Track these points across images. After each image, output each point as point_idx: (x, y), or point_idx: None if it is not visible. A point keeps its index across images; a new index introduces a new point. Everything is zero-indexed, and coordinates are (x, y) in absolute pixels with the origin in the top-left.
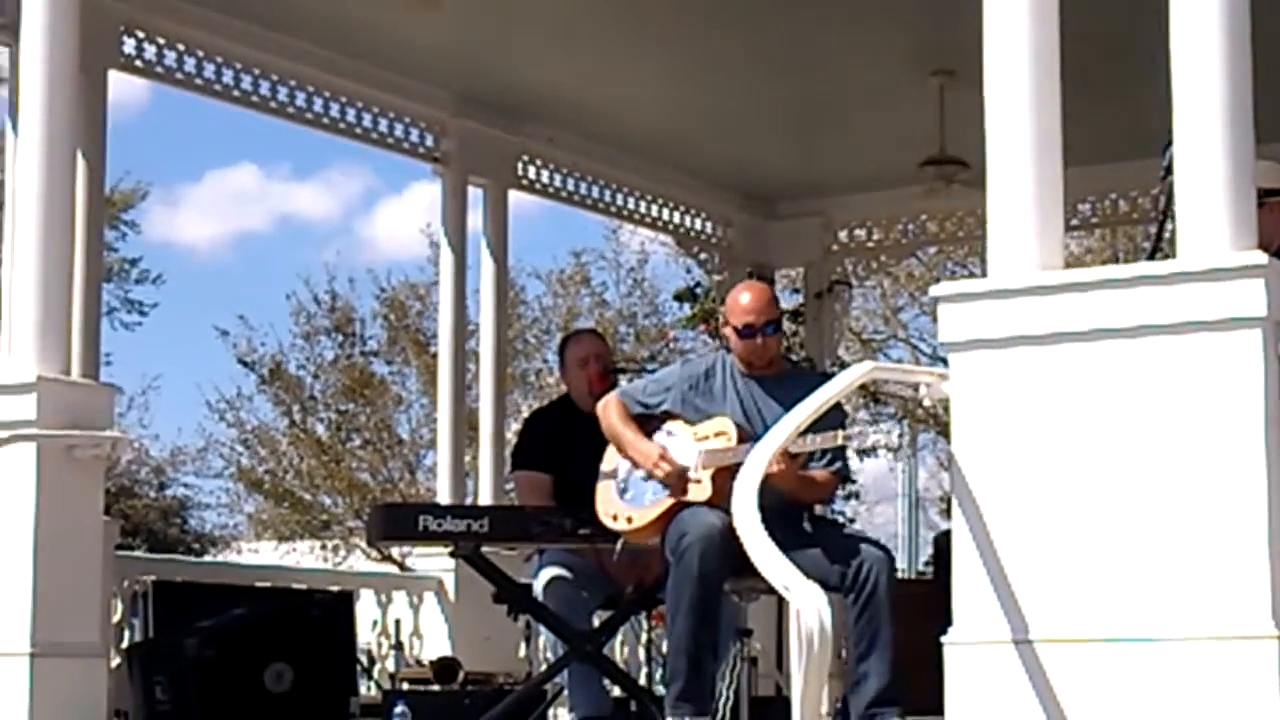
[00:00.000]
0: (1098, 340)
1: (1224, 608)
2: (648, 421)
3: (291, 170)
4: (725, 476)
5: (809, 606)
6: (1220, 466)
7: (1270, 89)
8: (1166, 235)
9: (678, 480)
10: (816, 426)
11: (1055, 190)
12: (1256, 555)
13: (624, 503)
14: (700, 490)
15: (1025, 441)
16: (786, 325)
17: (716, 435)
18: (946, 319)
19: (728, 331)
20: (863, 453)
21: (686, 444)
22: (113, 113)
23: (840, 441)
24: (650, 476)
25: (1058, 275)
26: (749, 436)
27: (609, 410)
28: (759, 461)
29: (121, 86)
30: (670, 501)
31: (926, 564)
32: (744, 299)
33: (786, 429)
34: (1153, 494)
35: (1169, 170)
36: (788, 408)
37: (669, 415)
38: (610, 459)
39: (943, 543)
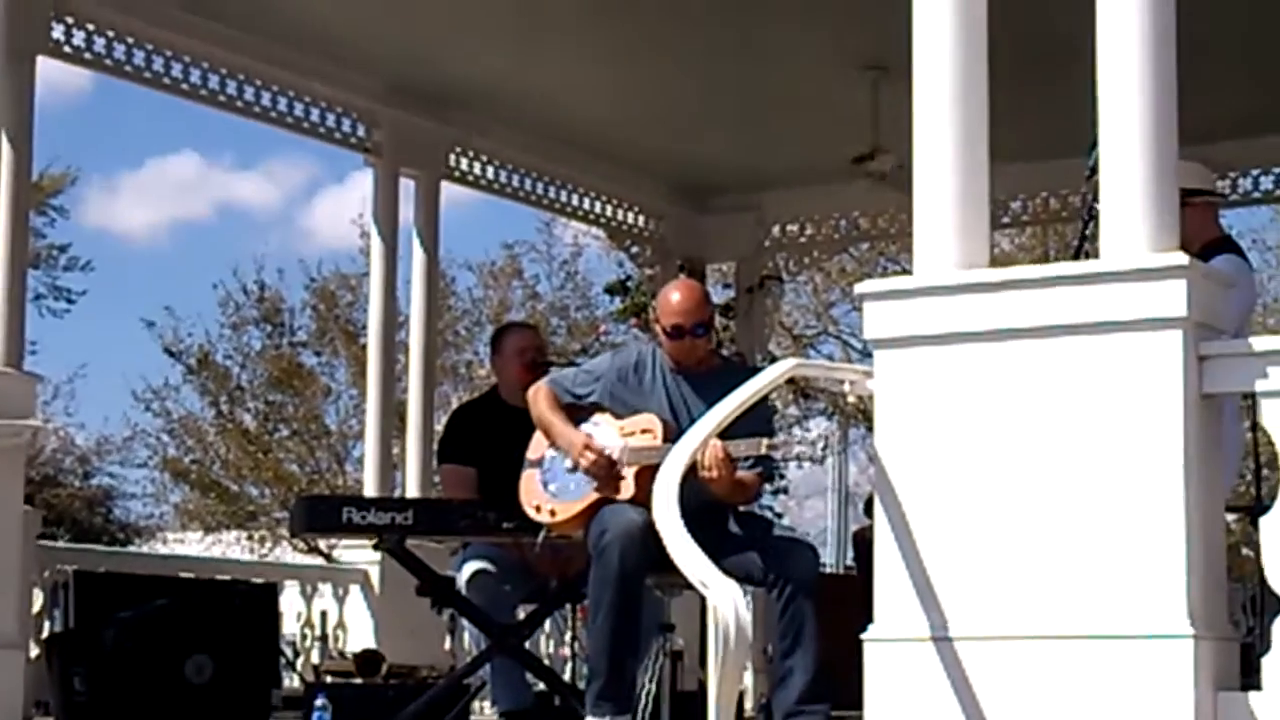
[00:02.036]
0: (1020, 339)
1: (1141, 607)
2: (575, 412)
3: (234, 159)
4: (649, 475)
5: (725, 602)
6: (1139, 467)
7: (1194, 91)
8: (1091, 235)
9: (603, 471)
10: (743, 421)
11: (981, 188)
12: (1173, 556)
13: (547, 494)
14: (624, 487)
15: (947, 439)
16: (717, 320)
17: (643, 432)
18: (871, 316)
19: (657, 329)
20: (786, 460)
21: (611, 438)
22: (53, 99)
23: (764, 451)
24: (576, 466)
25: (981, 274)
26: (674, 433)
27: (539, 397)
28: (680, 457)
29: (64, 72)
30: (594, 497)
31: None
32: (674, 298)
33: (709, 425)
34: (1072, 493)
35: (1094, 170)
36: (715, 404)
37: (597, 407)
38: (536, 446)
39: (860, 539)
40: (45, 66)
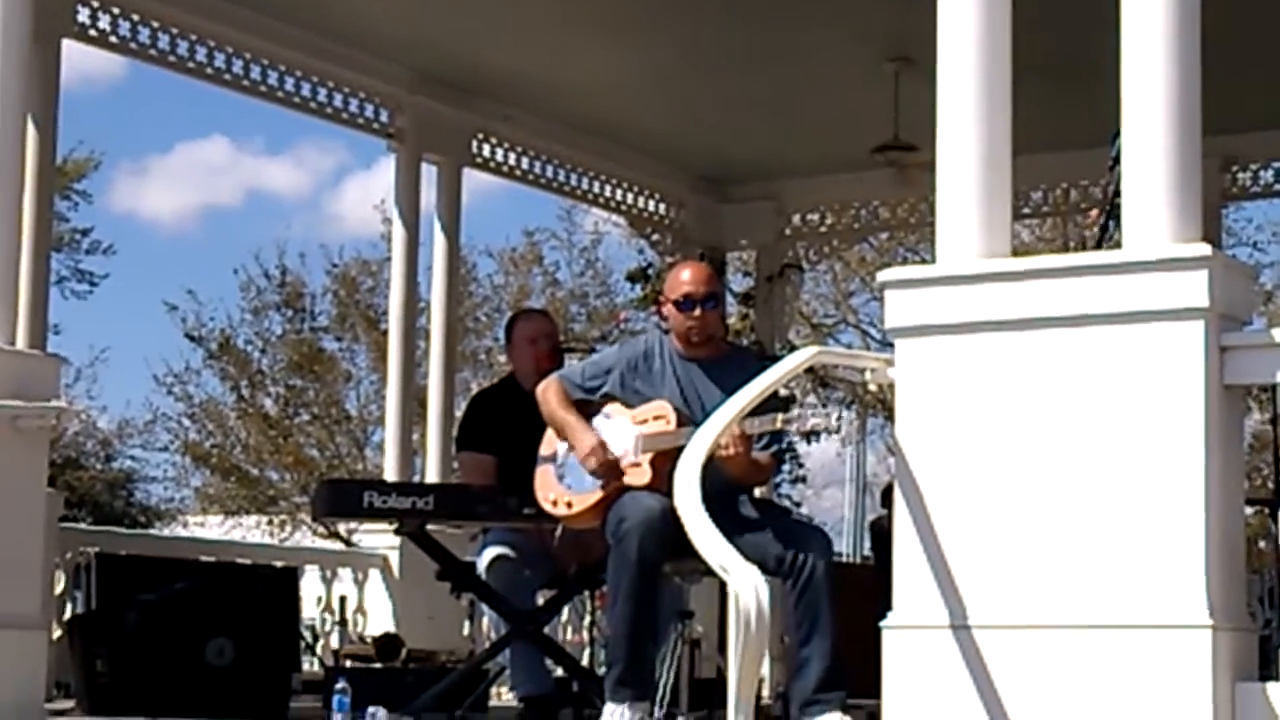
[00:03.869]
0: (1041, 328)
1: (1160, 597)
2: (587, 405)
3: (264, 144)
4: (665, 460)
5: (746, 588)
6: (1160, 457)
7: (1216, 82)
8: (1113, 225)
9: (611, 474)
10: (758, 409)
11: (1004, 178)
12: (1193, 546)
13: (563, 487)
14: (639, 474)
15: (968, 428)
16: (738, 308)
17: (655, 419)
18: (892, 304)
19: (667, 309)
20: (807, 436)
21: (625, 427)
22: (86, 86)
23: (780, 426)
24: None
25: (1004, 263)
26: (688, 420)
27: (548, 394)
28: (702, 444)
29: (97, 59)
30: (610, 487)
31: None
32: (683, 274)
33: (730, 413)
34: (1092, 483)
35: (1117, 160)
36: (727, 389)
37: (608, 398)
38: (549, 442)
39: (877, 528)
40: (78, 54)
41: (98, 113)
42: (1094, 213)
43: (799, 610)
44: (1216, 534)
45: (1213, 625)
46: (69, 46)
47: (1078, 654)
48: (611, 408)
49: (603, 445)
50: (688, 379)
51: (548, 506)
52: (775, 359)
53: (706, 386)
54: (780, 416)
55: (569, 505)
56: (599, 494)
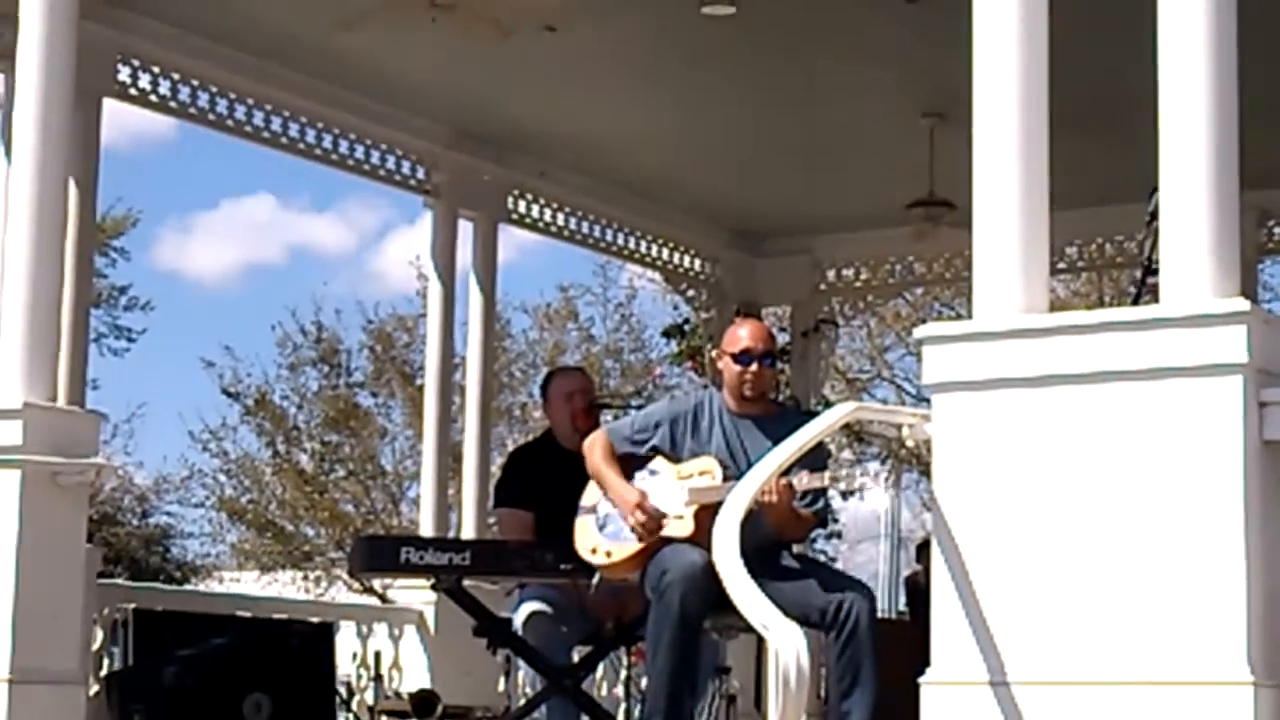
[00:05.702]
0: (1079, 384)
1: (1200, 653)
2: (632, 459)
3: (309, 201)
4: (708, 514)
5: (787, 645)
6: (1199, 513)
7: (1253, 136)
8: (1151, 281)
9: (652, 533)
10: (800, 464)
11: (1041, 233)
12: (1234, 602)
13: (603, 536)
14: (683, 526)
15: (1006, 484)
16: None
17: (701, 474)
18: (930, 360)
19: (723, 363)
20: (848, 493)
21: (669, 483)
22: (134, 144)
23: (827, 483)
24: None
25: (1042, 319)
26: (733, 476)
27: (594, 449)
28: (741, 500)
29: (147, 119)
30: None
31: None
32: (742, 331)
33: (769, 467)
34: (1132, 538)
35: (1154, 215)
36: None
37: (655, 452)
38: (591, 494)
39: (912, 584)
40: (128, 114)
41: (146, 171)
42: None
43: (841, 663)
44: (1257, 590)
45: (1254, 682)
46: (114, 106)
47: (1118, 711)
48: (657, 463)
49: (644, 499)
50: (735, 436)
51: (587, 555)
52: (818, 416)
53: (754, 442)
54: (829, 474)
55: (608, 554)
56: (640, 544)
